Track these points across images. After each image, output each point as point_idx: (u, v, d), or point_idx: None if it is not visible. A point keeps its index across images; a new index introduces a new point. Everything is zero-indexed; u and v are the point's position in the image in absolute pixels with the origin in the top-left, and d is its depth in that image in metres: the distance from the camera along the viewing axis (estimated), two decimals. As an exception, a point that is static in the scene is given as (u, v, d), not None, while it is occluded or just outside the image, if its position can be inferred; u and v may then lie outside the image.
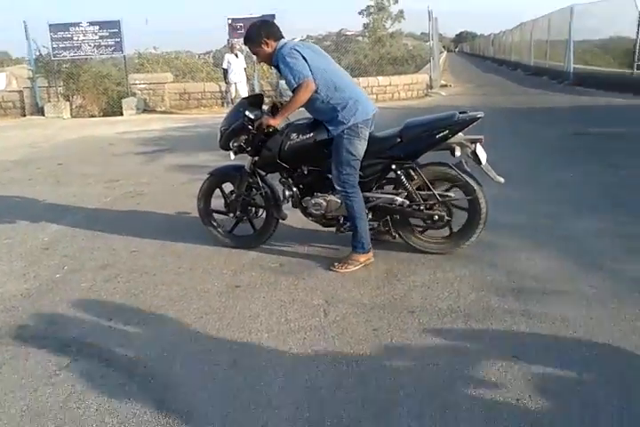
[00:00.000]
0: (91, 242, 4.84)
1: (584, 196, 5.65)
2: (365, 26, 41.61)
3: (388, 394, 2.57)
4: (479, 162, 3.99)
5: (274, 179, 4.42)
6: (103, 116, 16.70)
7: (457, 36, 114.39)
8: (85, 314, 3.50)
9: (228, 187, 4.54)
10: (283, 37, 3.99)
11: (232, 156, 4.29)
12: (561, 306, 3.33)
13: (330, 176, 4.08)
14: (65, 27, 16.54)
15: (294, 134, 4.06)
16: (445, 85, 20.82)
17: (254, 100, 4.33)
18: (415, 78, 18.02)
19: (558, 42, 22.28)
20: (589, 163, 7.07)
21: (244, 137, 4.15)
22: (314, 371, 2.78)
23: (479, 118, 3.92)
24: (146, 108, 16.84)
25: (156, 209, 5.76)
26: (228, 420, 2.45)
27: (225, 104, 16.24)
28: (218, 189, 4.57)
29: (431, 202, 4.09)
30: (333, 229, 4.35)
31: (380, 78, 17.37)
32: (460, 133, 3.96)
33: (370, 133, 4.00)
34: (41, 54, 17.08)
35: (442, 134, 3.90)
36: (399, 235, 4.26)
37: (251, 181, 4.35)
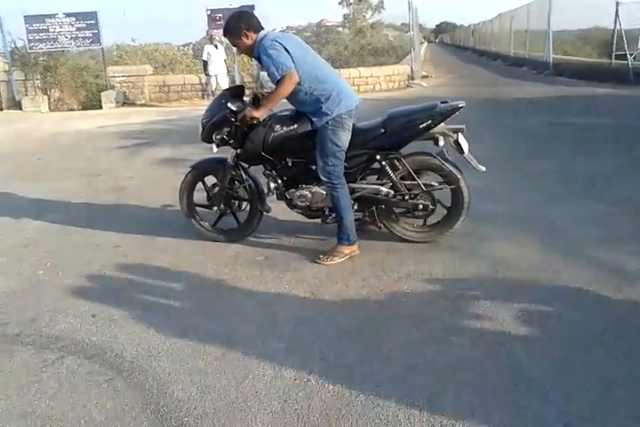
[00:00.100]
0: (73, 238, 4.80)
1: (560, 185, 5.70)
2: (345, 16, 41.47)
3: (376, 386, 2.59)
4: (462, 151, 4.05)
5: (257, 171, 4.40)
6: (82, 109, 16.50)
7: (437, 26, 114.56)
8: (69, 310, 3.47)
9: (209, 180, 4.52)
10: (263, 29, 3.97)
11: (214, 148, 4.26)
12: (543, 294, 3.37)
13: (314, 168, 4.08)
14: (41, 18, 16.27)
15: (278, 126, 4.04)
16: (426, 76, 20.86)
17: (235, 92, 4.29)
18: (396, 69, 18.03)
19: (538, 32, 22.40)
20: (566, 152, 7.15)
21: (226, 129, 4.12)
22: (301, 363, 2.79)
23: (461, 108, 3.96)
24: (125, 102, 16.70)
25: (138, 203, 5.72)
26: (216, 414, 2.45)
27: (205, 96, 16.14)
28: (200, 183, 4.54)
29: (416, 192, 4.13)
30: (318, 220, 4.35)
31: (362, 69, 17.36)
32: (442, 123, 4.00)
33: (353, 125, 4.00)
34: (16, 47, 16.82)
35: (425, 124, 3.94)
36: (384, 225, 4.28)
37: (234, 173, 4.33)
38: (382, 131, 4.02)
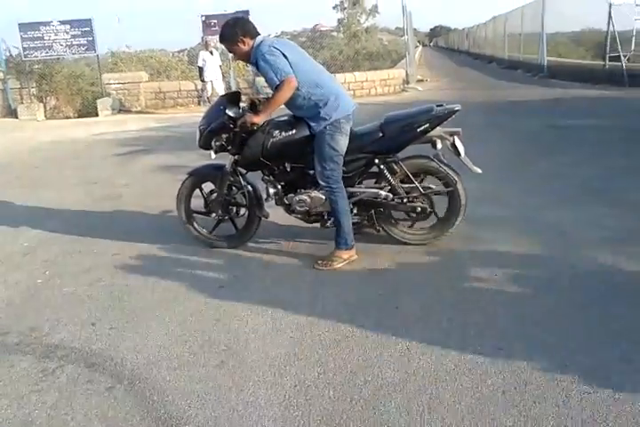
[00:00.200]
0: (71, 246, 4.79)
1: (561, 187, 5.72)
2: (340, 21, 41.55)
3: (376, 391, 2.59)
4: (458, 153, 4.10)
5: (254, 177, 4.41)
6: (78, 117, 16.48)
7: (431, 30, 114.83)
8: (69, 319, 3.46)
9: (207, 187, 4.52)
10: (259, 34, 3.98)
11: (213, 155, 4.28)
12: (542, 297, 3.38)
13: (312, 172, 4.11)
14: (35, 26, 16.23)
15: (276, 131, 4.05)
16: (422, 80, 20.91)
17: (232, 98, 4.29)
18: (392, 73, 18.09)
19: (531, 35, 22.50)
20: (564, 155, 7.17)
21: (225, 135, 4.13)
22: (301, 369, 2.79)
23: (457, 111, 4.01)
24: (121, 109, 16.68)
25: (135, 211, 5.71)
26: (217, 422, 2.45)
27: (201, 102, 16.15)
28: (197, 190, 4.54)
29: (414, 194, 4.16)
30: (317, 225, 4.36)
31: (357, 74, 17.41)
32: (439, 127, 4.05)
33: (350, 129, 4.02)
34: (11, 55, 16.85)
35: (422, 128, 3.99)
36: (382, 228, 4.31)
37: (232, 179, 4.34)
38: (380, 135, 4.06)
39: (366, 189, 4.23)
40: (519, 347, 2.87)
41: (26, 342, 3.20)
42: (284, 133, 4.04)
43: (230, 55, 16.21)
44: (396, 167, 4.16)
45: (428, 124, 3.99)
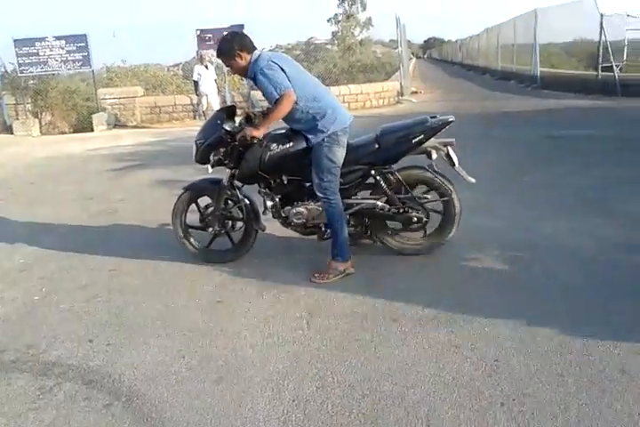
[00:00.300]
0: (68, 262, 4.79)
1: (555, 197, 5.75)
2: (334, 34, 41.85)
3: (375, 404, 2.59)
4: (453, 164, 4.16)
5: (249, 191, 4.42)
6: (73, 132, 16.51)
7: (425, 42, 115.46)
8: (66, 336, 3.45)
9: (202, 201, 4.53)
10: (256, 49, 4.02)
11: (210, 169, 4.30)
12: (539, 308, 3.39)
13: (308, 185, 4.15)
14: (30, 42, 16.30)
15: (274, 145, 4.08)
16: (416, 92, 21.02)
17: (228, 112, 4.33)
18: (386, 86, 18.17)
19: (524, 46, 22.65)
20: (558, 165, 7.22)
21: (222, 150, 4.16)
22: (299, 384, 2.79)
23: (451, 122, 4.09)
24: (117, 124, 16.70)
25: (132, 226, 5.71)
26: (216, 438, 2.44)
27: (197, 117, 16.20)
28: (192, 204, 4.55)
29: (410, 205, 4.21)
30: (314, 237, 4.38)
31: (352, 87, 17.48)
32: (433, 138, 4.10)
33: (347, 141, 4.06)
34: (6, 71, 16.90)
35: (418, 139, 4.05)
36: (378, 239, 4.34)
37: (229, 193, 4.36)
38: (376, 146, 4.11)
39: (363, 199, 4.27)
40: (516, 359, 2.87)
41: (23, 360, 3.19)
42: (281, 146, 4.07)
43: (226, 69, 16.43)
44: (392, 178, 4.20)
45: (422, 136, 4.05)
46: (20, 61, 16.26)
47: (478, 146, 8.29)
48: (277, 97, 3.80)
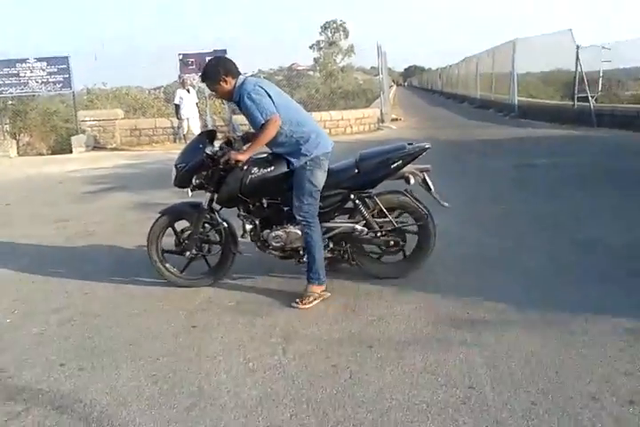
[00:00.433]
0: (42, 285, 4.73)
1: (526, 226, 5.82)
2: (316, 60, 42.36)
3: (349, 432, 2.57)
4: (429, 189, 4.28)
5: (227, 214, 4.43)
6: (52, 154, 16.43)
7: (406, 70, 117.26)
8: (37, 360, 3.39)
9: (178, 225, 4.51)
10: (240, 74, 4.07)
11: (189, 193, 4.32)
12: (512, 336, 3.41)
13: (287, 209, 4.19)
14: (11, 63, 16.25)
15: (255, 168, 4.11)
16: (396, 119, 21.27)
17: (208, 136, 4.37)
18: (367, 113, 18.36)
19: (503, 75, 23.09)
20: (531, 193, 7.35)
21: (203, 173, 4.18)
22: (273, 411, 2.76)
23: (427, 149, 4.21)
24: (96, 146, 16.62)
25: (108, 249, 5.67)
26: (187, 465, 2.40)
27: (177, 140, 16.18)
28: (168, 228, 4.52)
29: (388, 228, 4.26)
30: (291, 260, 4.39)
31: (333, 113, 17.65)
32: (410, 164, 4.21)
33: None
34: (-16, 91, 16.82)
35: (396, 164, 4.15)
36: (356, 262, 4.38)
37: (208, 217, 4.35)
38: (356, 171, 4.18)
39: (342, 223, 4.32)
40: (489, 386, 2.88)
41: (-9, 384, 3.13)
42: (262, 170, 4.11)
43: (207, 93, 16.53)
44: (370, 202, 4.27)
45: (401, 161, 4.15)
46: (0, 82, 16.20)
47: (453, 173, 8.38)
48: (263, 122, 3.87)
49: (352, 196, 4.24)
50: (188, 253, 4.40)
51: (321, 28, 41.87)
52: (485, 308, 3.84)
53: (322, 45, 42.07)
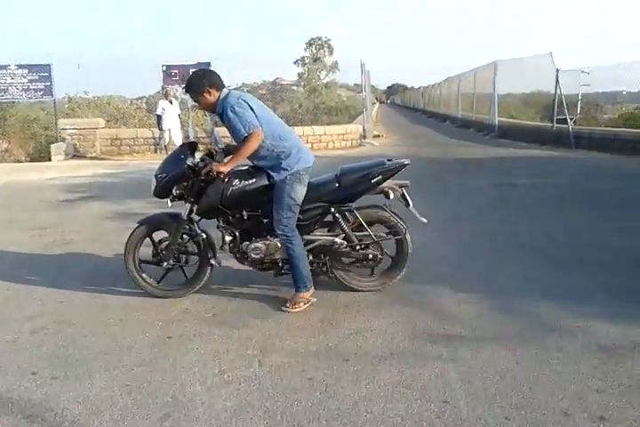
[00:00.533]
0: (16, 292, 4.66)
1: (502, 244, 5.87)
2: (300, 75, 42.61)
3: (323, 445, 2.56)
4: (407, 204, 4.36)
5: (206, 225, 4.42)
6: (30, 161, 16.24)
7: (389, 88, 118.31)
8: (9, 368, 3.34)
9: (156, 235, 4.49)
10: (224, 86, 4.10)
11: (169, 203, 4.31)
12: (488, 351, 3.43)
13: (266, 221, 4.22)
14: (-9, 69, 16.15)
15: (236, 180, 4.13)
16: (378, 136, 21.45)
17: (189, 148, 4.38)
18: (349, 128, 18.46)
19: (484, 95, 23.41)
20: (509, 213, 7.41)
21: (184, 184, 4.18)
22: (248, 423, 2.74)
23: (406, 165, 4.30)
24: (76, 154, 16.47)
25: (85, 258, 5.62)
26: (159, 477, 2.37)
27: (158, 150, 16.15)
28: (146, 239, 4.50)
29: (367, 242, 4.32)
30: (270, 271, 4.41)
31: (316, 128, 17.73)
32: (389, 179, 4.29)
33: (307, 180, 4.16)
34: (-37, 97, 16.64)
35: (376, 179, 4.23)
36: (334, 275, 4.41)
37: (187, 227, 4.34)
38: (336, 185, 4.24)
39: (322, 236, 4.36)
40: (464, 401, 2.89)
41: (-39, 392, 3.07)
42: (243, 182, 4.14)
43: (190, 105, 16.55)
44: (350, 216, 4.32)
45: (380, 177, 4.23)
46: (-21, 88, 16.02)
47: (431, 192, 8.42)
48: (245, 135, 3.91)
49: (332, 209, 4.29)
50: (165, 263, 4.37)
51: (306, 44, 42.21)
52: (462, 323, 3.87)
53: (306, 61, 42.33)
